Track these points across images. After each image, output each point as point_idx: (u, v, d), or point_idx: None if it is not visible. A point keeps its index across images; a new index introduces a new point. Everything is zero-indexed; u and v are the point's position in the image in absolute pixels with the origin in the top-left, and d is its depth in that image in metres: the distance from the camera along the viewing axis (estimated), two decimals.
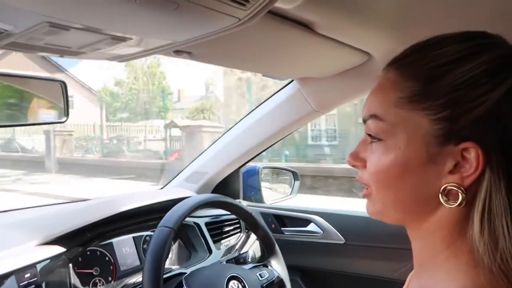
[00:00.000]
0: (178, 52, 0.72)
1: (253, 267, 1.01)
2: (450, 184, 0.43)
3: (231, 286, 0.87)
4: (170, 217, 0.81)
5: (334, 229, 1.25)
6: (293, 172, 1.59)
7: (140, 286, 0.87)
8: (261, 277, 0.97)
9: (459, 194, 0.42)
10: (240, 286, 0.88)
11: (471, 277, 0.41)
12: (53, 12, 0.46)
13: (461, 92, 0.42)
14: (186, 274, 0.88)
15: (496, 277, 0.40)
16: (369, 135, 0.49)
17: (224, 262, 1.15)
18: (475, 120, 0.41)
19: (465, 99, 0.42)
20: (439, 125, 0.43)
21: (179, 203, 0.85)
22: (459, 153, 0.42)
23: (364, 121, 0.50)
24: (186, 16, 0.52)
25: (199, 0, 0.47)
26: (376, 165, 0.48)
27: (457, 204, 0.43)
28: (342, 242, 1.24)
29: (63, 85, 0.85)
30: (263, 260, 1.07)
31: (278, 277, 1.00)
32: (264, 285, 0.96)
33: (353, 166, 0.52)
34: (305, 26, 0.71)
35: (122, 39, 0.56)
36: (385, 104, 0.47)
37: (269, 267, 1.01)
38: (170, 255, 1.14)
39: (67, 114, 0.86)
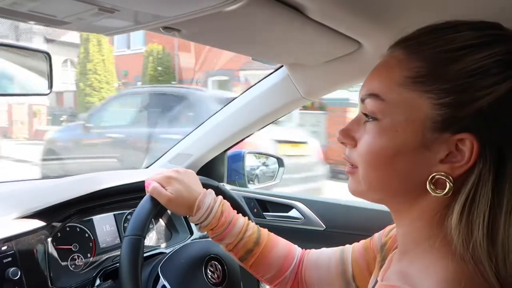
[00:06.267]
0: (167, 29, 0.70)
1: None
2: (439, 173, 0.43)
3: (209, 269, 0.87)
4: (135, 224, 0.75)
5: (315, 216, 1.27)
6: (278, 158, 1.60)
7: (118, 259, 0.86)
8: None
9: (447, 183, 0.42)
10: (218, 266, 0.89)
11: (450, 270, 0.41)
12: None
13: (471, 80, 0.41)
14: (162, 263, 0.85)
15: (471, 268, 0.40)
16: (365, 114, 0.48)
17: None
18: (478, 111, 0.40)
19: (473, 87, 0.41)
20: (441, 110, 0.42)
21: (141, 204, 0.78)
22: (454, 143, 0.42)
23: (362, 100, 0.48)
24: None
25: None
26: (369, 146, 0.47)
27: (443, 193, 0.42)
28: (322, 228, 1.25)
29: (48, 56, 0.82)
30: None
31: None
32: None
33: (342, 143, 0.51)
34: (297, 10, 0.70)
35: (110, 11, 0.55)
36: (388, 82, 0.46)
37: None
38: (151, 235, 1.14)
39: (50, 86, 0.84)
